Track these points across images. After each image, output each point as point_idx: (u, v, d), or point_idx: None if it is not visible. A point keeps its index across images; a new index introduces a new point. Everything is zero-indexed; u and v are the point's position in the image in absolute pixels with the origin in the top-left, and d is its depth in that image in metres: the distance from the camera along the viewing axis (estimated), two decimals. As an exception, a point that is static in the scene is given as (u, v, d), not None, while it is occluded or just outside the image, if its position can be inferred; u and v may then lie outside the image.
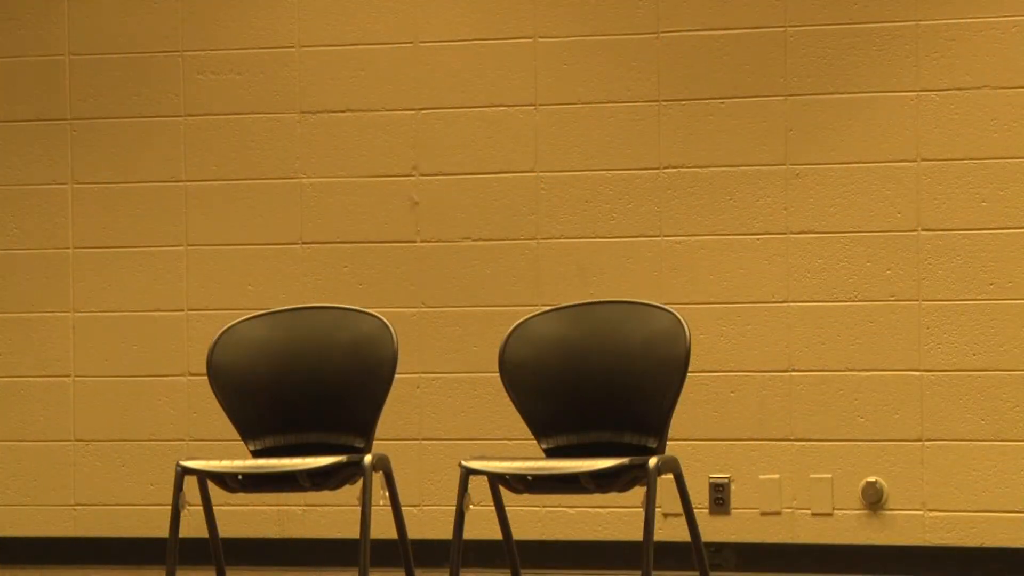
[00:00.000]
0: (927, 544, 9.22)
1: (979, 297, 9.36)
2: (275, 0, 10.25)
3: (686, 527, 7.39)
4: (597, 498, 7.55)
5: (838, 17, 9.58)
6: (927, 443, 9.37)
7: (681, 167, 9.72)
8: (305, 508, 7.86)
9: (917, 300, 9.48)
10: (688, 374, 7.42)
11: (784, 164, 9.64)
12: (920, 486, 9.34)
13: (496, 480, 7.37)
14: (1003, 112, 9.21)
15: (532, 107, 9.91)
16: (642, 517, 7.10)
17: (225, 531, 7.68)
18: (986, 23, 9.26)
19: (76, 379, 10.18)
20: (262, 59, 10.23)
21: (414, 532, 7.63)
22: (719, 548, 7.84)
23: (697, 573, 7.48)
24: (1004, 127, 9.21)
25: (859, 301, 9.52)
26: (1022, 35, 9.24)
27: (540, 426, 7.64)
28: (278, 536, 8.22)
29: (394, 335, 7.78)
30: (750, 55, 9.70)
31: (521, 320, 7.80)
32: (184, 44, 10.36)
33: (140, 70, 10.41)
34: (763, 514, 9.39)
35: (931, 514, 9.28)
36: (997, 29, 9.26)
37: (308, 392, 7.89)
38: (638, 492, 7.16)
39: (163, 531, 7.43)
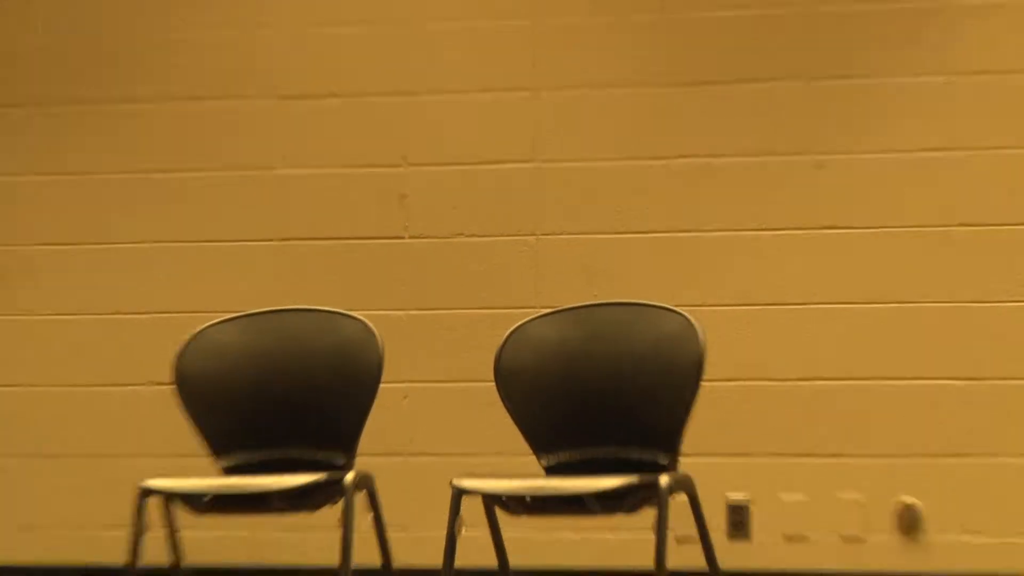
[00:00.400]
0: (969, 573, 9.14)
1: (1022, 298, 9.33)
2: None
3: (702, 554, 7.34)
4: (603, 521, 7.58)
5: None
6: (969, 459, 9.34)
7: (694, 156, 9.69)
8: (281, 533, 7.75)
9: (954, 301, 9.45)
10: (702, 382, 7.35)
11: (806, 154, 9.60)
12: (962, 508, 9.29)
13: (491, 501, 7.29)
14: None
15: (531, 92, 9.89)
16: (653, 543, 6.97)
17: (192, 558, 7.63)
18: (1020, 2, 9.13)
19: (26, 388, 10.19)
20: (235, 40, 10.23)
21: (401, 559, 7.60)
22: (731, 577, 7.59)
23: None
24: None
25: (890, 303, 9.50)
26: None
27: (540, 441, 7.57)
28: (250, 564, 8.22)
29: (379, 340, 7.75)
30: (768, 36, 9.67)
31: (519, 323, 7.77)
32: (148, 25, 10.35)
33: (102, 54, 10.42)
34: (787, 539, 9.37)
35: (974, 539, 9.21)
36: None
37: (285, 403, 7.85)
38: (648, 515, 7.06)
39: (122, 558, 7.34)
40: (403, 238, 9.79)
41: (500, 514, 7.32)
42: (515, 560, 7.51)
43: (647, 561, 7.01)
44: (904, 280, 9.45)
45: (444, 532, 7.01)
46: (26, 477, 10.03)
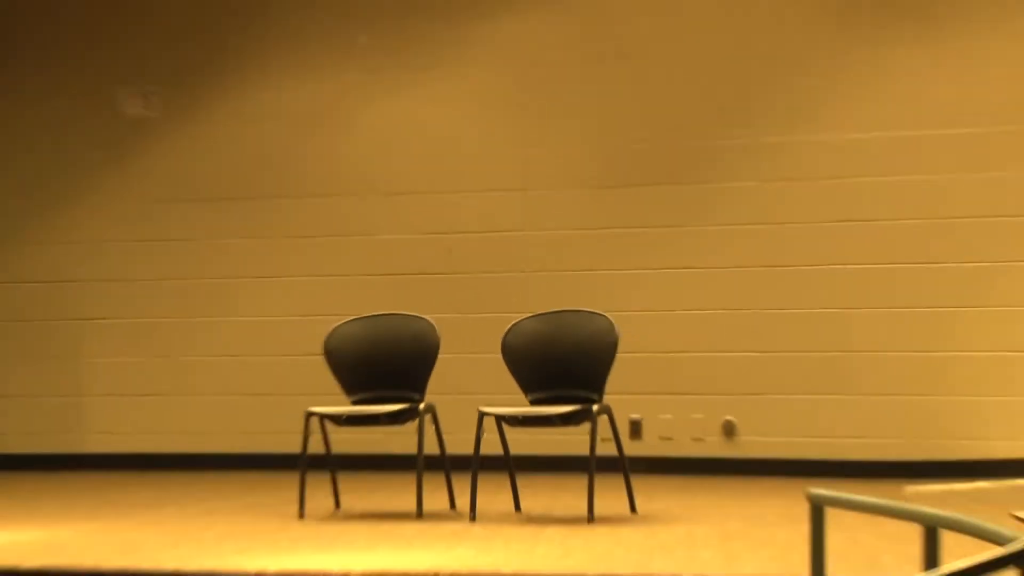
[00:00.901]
0: (761, 458, 9.19)
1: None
2: (364, 124, 10.10)
3: (615, 447, 7.40)
4: (561, 430, 7.57)
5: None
6: (761, 396, 9.35)
7: (616, 228, 9.68)
8: (383, 435, 7.78)
9: (749, 309, 9.47)
10: (616, 354, 7.46)
11: (682, 226, 9.57)
12: (757, 423, 9.33)
13: (500, 419, 7.44)
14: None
15: (521, 191, 9.82)
16: (588, 440, 7.21)
17: (335, 449, 7.70)
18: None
19: (253, 358, 10.11)
20: (349, 155, 10.08)
21: (450, 449, 7.61)
22: (635, 460, 7.74)
23: (621, 475, 7.44)
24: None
25: (719, 309, 9.48)
26: None
27: (526, 386, 7.67)
28: (366, 452, 8.17)
29: (437, 330, 7.82)
30: (657, 160, 9.60)
31: (515, 321, 7.84)
32: (288, 143, 10.19)
33: (263, 165, 10.23)
34: (661, 439, 9.37)
35: (763, 439, 9.28)
36: None
37: (386, 365, 7.87)
38: (586, 426, 7.25)
39: (298, 448, 7.49)
40: (449, 273, 9.77)
41: (505, 426, 7.42)
42: (513, 450, 7.49)
43: (585, 450, 7.13)
44: (731, 298, 9.44)
45: (474, 435, 7.15)
46: (247, 408, 10.01)
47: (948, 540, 4.95)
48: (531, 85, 9.85)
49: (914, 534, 5.07)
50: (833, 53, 9.38)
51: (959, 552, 4.53)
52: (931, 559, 4.87)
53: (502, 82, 9.92)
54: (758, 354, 9.41)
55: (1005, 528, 4.55)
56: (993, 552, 4.20)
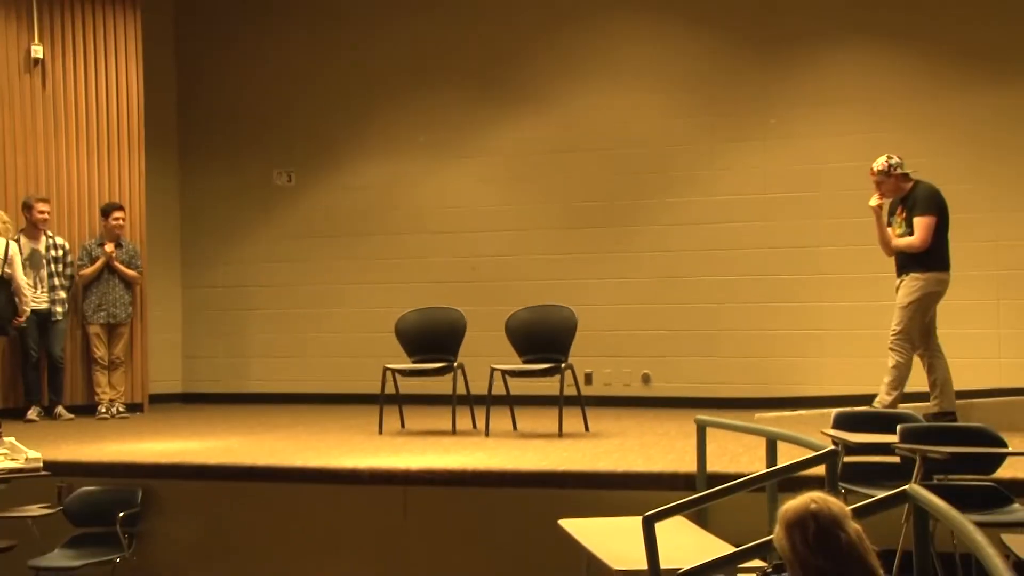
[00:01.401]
0: (667, 395, 9.02)
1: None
2: (422, 189, 9.93)
3: (575, 389, 7.36)
4: (543, 379, 7.44)
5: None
6: (665, 359, 9.19)
7: (573, 254, 9.48)
8: (433, 381, 7.70)
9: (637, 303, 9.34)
10: (576, 332, 7.41)
11: (611, 252, 9.36)
12: (664, 374, 9.17)
13: (504, 373, 7.37)
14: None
15: (516, 232, 9.63)
16: (558, 386, 7.21)
17: (402, 391, 7.60)
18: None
19: (349, 334, 9.99)
20: (405, 202, 9.92)
21: (473, 391, 7.51)
22: (588, 398, 7.65)
23: (580, 407, 7.37)
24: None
25: (639, 304, 9.30)
26: None
27: (521, 352, 7.58)
28: (421, 393, 8.06)
29: (465, 317, 7.76)
30: (601, 212, 9.41)
31: (513, 312, 7.76)
32: (359, 195, 10.08)
33: (341, 219, 10.10)
34: (606, 384, 9.21)
35: (669, 385, 9.10)
36: None
37: (433, 339, 7.74)
38: (558, 377, 7.23)
39: (378, 389, 7.45)
40: (473, 282, 9.57)
41: (508, 377, 7.36)
42: (513, 391, 7.43)
43: (557, 391, 7.16)
44: (647, 297, 9.25)
45: (487, 383, 7.13)
46: (348, 365, 9.84)
47: (782, 448, 4.90)
48: (525, 167, 9.69)
49: (761, 444, 5.03)
50: (709, 148, 9.23)
51: (789, 455, 4.50)
52: (771, 459, 4.81)
53: (506, 165, 9.75)
54: (665, 332, 9.25)
55: (817, 440, 4.52)
56: (809, 455, 4.17)
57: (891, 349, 6.75)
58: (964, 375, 8.06)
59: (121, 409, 8.94)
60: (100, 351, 8.97)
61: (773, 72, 9.05)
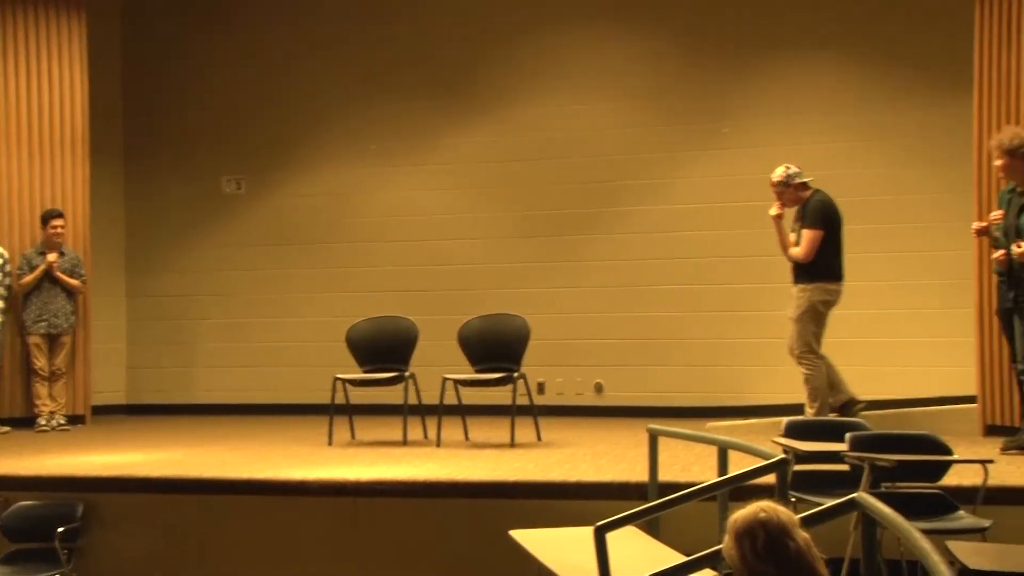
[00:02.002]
0: (617, 405, 9.05)
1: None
2: (376, 198, 9.88)
3: (527, 399, 7.33)
4: (495, 389, 7.41)
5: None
6: (621, 367, 9.21)
7: (524, 263, 9.48)
8: (384, 391, 7.61)
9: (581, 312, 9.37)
10: (529, 341, 7.45)
11: (556, 261, 9.42)
12: (616, 383, 9.20)
13: (456, 382, 7.38)
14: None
15: (472, 240, 9.64)
16: (511, 395, 7.23)
17: (352, 401, 7.54)
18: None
19: (307, 343, 9.93)
20: (372, 221, 9.91)
21: (424, 400, 7.49)
22: (540, 407, 7.63)
23: (532, 417, 7.37)
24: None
25: (587, 313, 9.33)
26: None
27: (473, 361, 7.58)
28: (372, 403, 7.92)
29: (417, 326, 7.74)
30: (549, 223, 9.44)
31: (466, 320, 7.76)
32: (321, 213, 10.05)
33: (321, 231, 10.11)
34: (558, 394, 9.22)
35: (620, 394, 9.14)
36: None
37: (384, 348, 7.70)
38: (511, 386, 7.24)
39: (328, 399, 7.42)
40: (427, 291, 9.53)
41: (460, 387, 7.39)
42: (465, 400, 7.45)
43: (510, 401, 7.19)
44: (600, 306, 9.30)
45: (439, 392, 7.15)
46: (299, 375, 9.75)
47: (734, 456, 4.93)
48: (479, 176, 9.68)
49: (713, 453, 5.05)
50: (665, 157, 9.27)
51: (741, 464, 4.53)
52: (723, 468, 4.84)
53: (460, 173, 9.73)
54: (618, 341, 9.28)
55: (768, 449, 4.55)
56: (760, 464, 4.21)
57: (799, 364, 6.92)
58: (911, 384, 8.22)
59: (62, 421, 8.79)
60: (40, 362, 8.82)
61: (728, 82, 9.13)
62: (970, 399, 7.28)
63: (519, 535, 4.66)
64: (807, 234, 6.88)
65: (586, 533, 3.75)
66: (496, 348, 7.56)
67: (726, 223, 9.07)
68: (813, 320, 6.89)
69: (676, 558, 3.92)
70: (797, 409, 6.97)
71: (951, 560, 3.37)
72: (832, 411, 6.98)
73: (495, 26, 9.69)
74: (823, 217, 6.90)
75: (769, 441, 5.05)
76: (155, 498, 5.97)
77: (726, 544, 2.54)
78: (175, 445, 7.56)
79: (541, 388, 9.08)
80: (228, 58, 10.26)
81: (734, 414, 8.50)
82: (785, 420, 5.21)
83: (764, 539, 2.44)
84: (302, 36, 10.11)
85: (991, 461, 4.70)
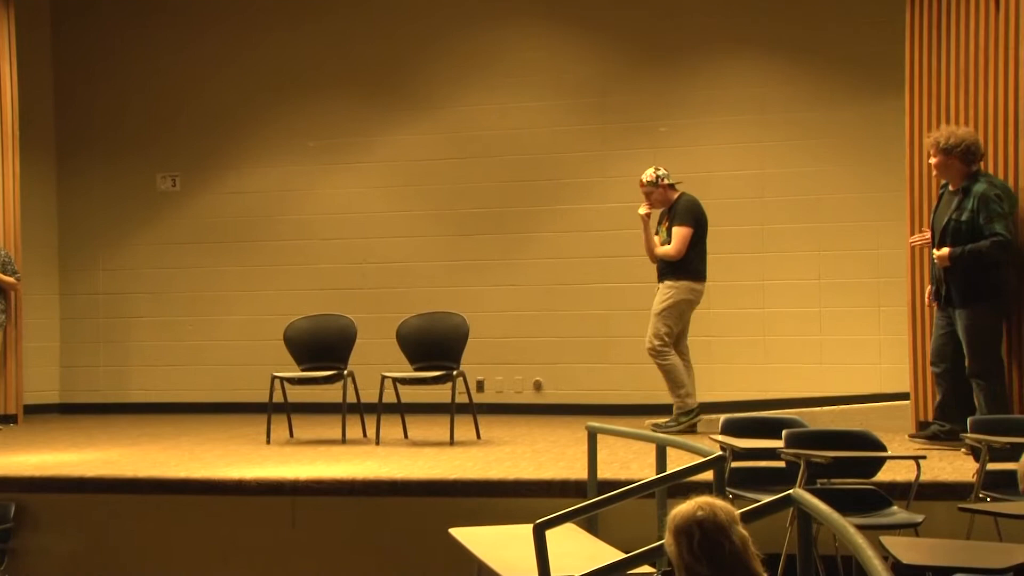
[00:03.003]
0: (558, 403, 9.05)
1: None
2: (312, 196, 9.83)
3: (467, 397, 7.34)
4: (434, 387, 7.42)
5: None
6: (559, 364, 9.20)
7: (465, 261, 9.44)
8: (323, 389, 7.59)
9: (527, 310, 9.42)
10: (468, 339, 7.44)
11: (508, 260, 9.39)
12: (555, 381, 9.20)
13: (395, 380, 7.32)
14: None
15: (408, 238, 9.57)
16: (450, 393, 7.21)
17: (290, 399, 7.51)
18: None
19: (240, 342, 9.80)
20: (308, 219, 9.89)
21: (363, 399, 7.48)
22: (480, 406, 7.64)
23: (471, 415, 7.37)
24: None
25: (533, 311, 9.33)
26: None
27: (412, 359, 7.55)
28: (310, 401, 7.95)
29: (355, 325, 7.71)
30: (497, 218, 9.50)
31: (404, 319, 7.74)
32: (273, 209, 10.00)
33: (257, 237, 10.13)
34: (497, 392, 9.18)
35: (559, 391, 9.15)
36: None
37: (324, 346, 7.67)
38: (450, 384, 7.23)
39: (266, 398, 7.37)
40: (363, 289, 9.48)
41: (398, 386, 7.30)
42: (404, 399, 7.38)
43: (448, 399, 7.18)
44: (538, 304, 9.31)
45: (378, 391, 7.12)
46: (235, 374, 9.67)
47: (672, 453, 4.97)
48: (416, 174, 9.62)
49: (651, 450, 5.10)
50: (600, 155, 9.27)
51: (679, 461, 4.56)
52: (661, 465, 4.88)
53: (397, 171, 9.67)
54: (556, 338, 9.28)
55: (705, 446, 4.60)
56: (698, 461, 4.25)
57: (653, 358, 7.33)
58: (846, 381, 8.34)
59: (-7, 421, 8.65)
60: (-30, 361, 8.66)
61: (664, 81, 9.16)
62: (904, 396, 7.39)
63: (459, 533, 4.67)
64: (679, 231, 7.27)
65: (525, 531, 3.76)
66: (435, 346, 7.54)
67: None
68: (674, 317, 7.31)
69: (615, 555, 3.94)
70: (734, 407, 7.04)
71: (885, 555, 3.43)
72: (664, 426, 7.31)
73: (430, 22, 9.64)
74: (694, 216, 7.32)
75: (707, 438, 5.09)
76: (89, 498, 5.90)
77: (666, 540, 2.57)
78: (109, 445, 7.46)
79: (480, 386, 9.06)
80: (163, 54, 10.12)
81: (672, 411, 8.52)
82: (722, 417, 5.26)
83: (700, 538, 2.48)
84: (236, 32, 10.00)
85: (923, 457, 4.78)
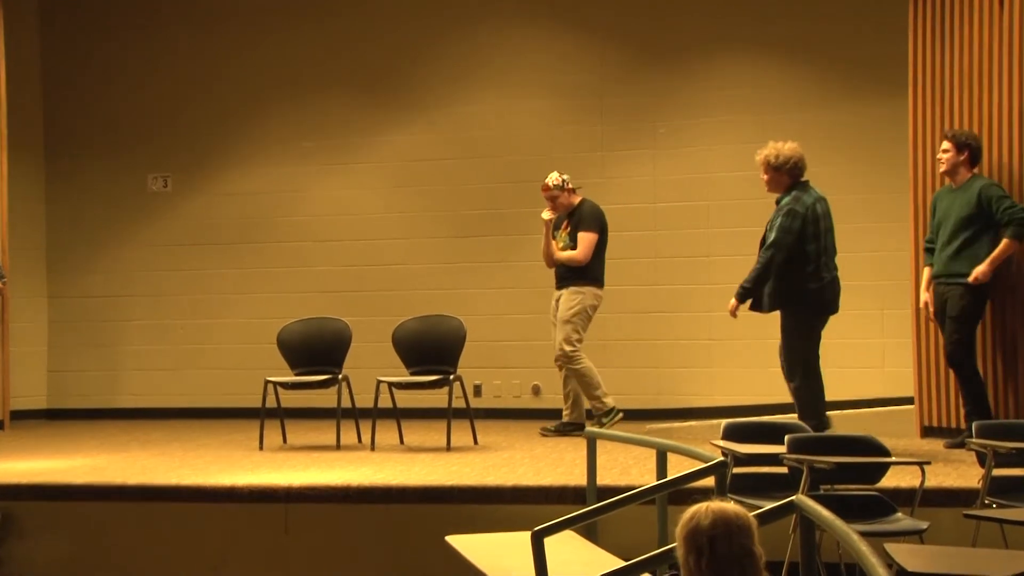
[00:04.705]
0: (556, 408, 8.63)
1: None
2: (308, 197, 9.85)
3: (464, 401, 7.34)
4: (430, 392, 7.46)
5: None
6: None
7: (456, 263, 9.44)
8: (317, 394, 7.66)
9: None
10: (465, 342, 7.43)
11: (482, 262, 9.38)
12: (554, 386, 8.85)
13: (391, 385, 7.36)
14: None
15: (406, 239, 9.58)
16: (447, 397, 7.21)
17: (284, 404, 7.52)
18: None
19: (235, 345, 9.80)
20: (304, 220, 9.92)
21: (358, 404, 7.48)
22: (477, 410, 7.66)
23: (468, 420, 7.36)
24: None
25: (519, 314, 9.18)
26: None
27: (408, 363, 7.55)
28: (304, 406, 8.00)
29: (350, 328, 7.71)
30: (493, 220, 9.49)
31: (401, 322, 7.74)
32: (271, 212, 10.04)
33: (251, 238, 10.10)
34: (495, 396, 9.20)
35: (557, 396, 8.93)
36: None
37: (319, 350, 7.66)
38: (447, 388, 7.23)
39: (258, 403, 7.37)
40: (359, 291, 9.44)
41: (394, 390, 7.36)
42: (400, 404, 7.44)
43: (445, 404, 7.17)
44: (535, 306, 9.25)
45: (373, 395, 7.12)
46: (228, 378, 9.63)
47: (672, 459, 4.97)
48: (413, 175, 9.61)
49: (652, 456, 5.09)
50: (598, 157, 9.26)
51: (680, 467, 4.57)
52: (661, 471, 4.87)
53: (393, 172, 9.67)
54: (540, 343, 9.14)
55: (707, 452, 4.59)
56: (699, 467, 4.24)
57: (565, 363, 7.54)
58: (849, 385, 8.32)
59: (-22, 427, 8.62)
60: (-45, 366, 8.63)
61: (662, 82, 9.16)
62: (908, 400, 7.38)
63: (456, 540, 4.66)
64: (585, 236, 7.53)
65: (524, 538, 3.75)
66: (431, 350, 7.53)
67: (661, 223, 9.10)
68: (584, 322, 7.55)
69: (614, 562, 3.93)
70: (736, 411, 7.04)
71: (889, 562, 3.42)
72: (555, 430, 7.66)
73: (428, 23, 9.64)
74: (600, 222, 7.59)
75: (708, 444, 5.09)
76: (77, 506, 5.88)
77: (677, 545, 2.55)
78: (98, 451, 7.44)
79: (478, 390, 9.05)
80: (155, 54, 10.10)
81: (673, 416, 8.52)
82: (724, 423, 5.25)
83: (709, 557, 2.45)
84: (230, 31, 9.98)
85: (928, 463, 4.78)
